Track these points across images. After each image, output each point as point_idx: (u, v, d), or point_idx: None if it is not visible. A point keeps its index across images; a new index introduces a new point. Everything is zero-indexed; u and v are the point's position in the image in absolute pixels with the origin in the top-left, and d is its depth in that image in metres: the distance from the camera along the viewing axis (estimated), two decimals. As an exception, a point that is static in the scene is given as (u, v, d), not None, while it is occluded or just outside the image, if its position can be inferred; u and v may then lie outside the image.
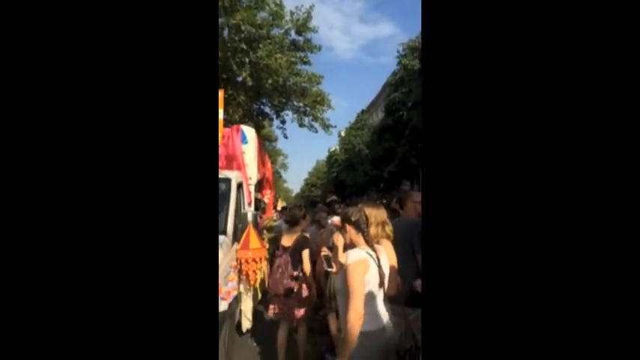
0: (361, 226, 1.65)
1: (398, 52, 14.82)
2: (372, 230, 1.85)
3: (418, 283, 2.07)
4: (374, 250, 1.63)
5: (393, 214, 3.30)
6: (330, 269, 1.86)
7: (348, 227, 1.69)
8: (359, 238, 1.66)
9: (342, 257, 1.78)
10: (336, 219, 2.06)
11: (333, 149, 30.10)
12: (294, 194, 50.03)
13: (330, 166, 29.36)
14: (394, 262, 1.83)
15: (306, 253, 2.83)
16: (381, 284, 1.60)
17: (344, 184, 24.03)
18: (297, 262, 2.81)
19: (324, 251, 2.02)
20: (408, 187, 18.07)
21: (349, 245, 1.71)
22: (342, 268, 1.58)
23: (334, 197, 6.03)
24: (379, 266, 1.59)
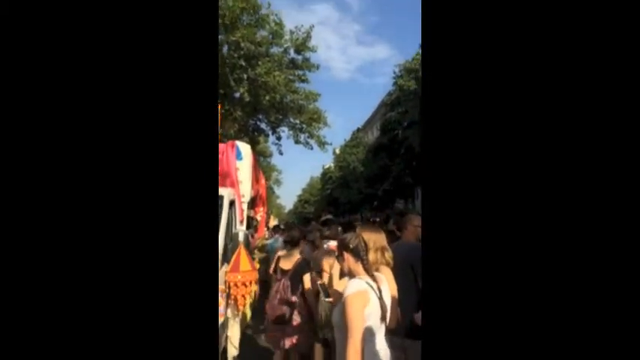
0: (360, 254, 1.55)
1: (394, 72, 15.08)
2: (371, 256, 1.75)
3: (419, 315, 1.95)
4: (374, 279, 1.52)
5: (390, 236, 3.21)
6: (327, 299, 1.74)
7: (346, 255, 1.58)
8: (358, 267, 1.55)
9: (338, 286, 1.67)
10: (333, 243, 1.95)
11: (327, 166, 30.14)
12: (286, 210, 49.68)
13: (324, 183, 29.31)
14: (395, 291, 1.73)
15: (307, 278, 2.68)
16: (383, 318, 1.48)
17: (337, 202, 23.93)
18: (297, 286, 2.67)
19: (322, 278, 1.91)
20: (402, 205, 18.04)
21: (347, 274, 1.60)
22: (340, 300, 1.46)
23: (329, 216, 5.92)
24: (380, 298, 1.47)
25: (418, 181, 13.43)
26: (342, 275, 1.65)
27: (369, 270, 1.54)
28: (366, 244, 1.58)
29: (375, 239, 1.84)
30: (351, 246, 1.56)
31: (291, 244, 2.87)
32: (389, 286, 1.65)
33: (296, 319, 2.65)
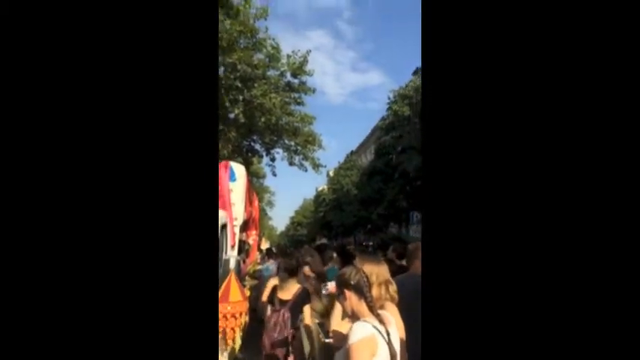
0: (363, 290, 1.37)
1: (389, 98, 15.36)
2: (375, 292, 1.58)
3: None
4: (380, 320, 1.35)
5: (390, 265, 3.05)
6: (326, 340, 1.56)
7: (348, 293, 1.40)
8: (362, 306, 1.37)
9: (339, 326, 1.50)
10: (332, 286, 1.76)
11: (320, 188, 30.06)
12: (278, 232, 49.02)
13: (318, 205, 29.11)
14: (402, 331, 1.55)
15: (307, 310, 2.50)
16: None
17: (331, 225, 23.67)
18: (297, 318, 2.48)
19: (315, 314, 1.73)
20: (396, 229, 17.86)
21: (350, 315, 1.43)
22: (344, 345, 1.28)
23: (324, 240, 5.74)
24: (389, 343, 1.30)
25: (412, 205, 13.36)
26: (343, 316, 1.48)
27: (374, 309, 1.37)
28: (368, 279, 1.43)
29: (377, 272, 1.69)
30: (352, 282, 1.39)
31: (289, 272, 2.69)
32: (396, 326, 1.49)
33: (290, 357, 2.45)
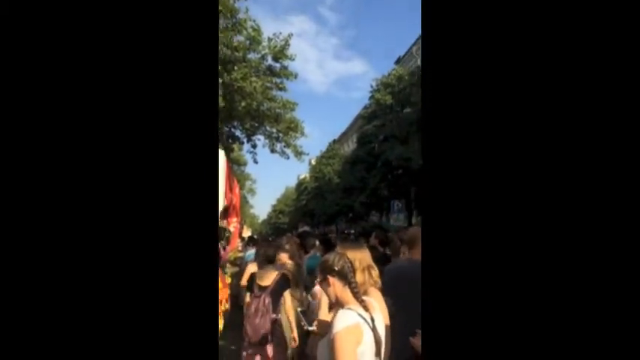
0: (347, 277, 1.32)
1: (371, 86, 15.28)
2: (359, 277, 1.55)
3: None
4: (366, 307, 1.29)
5: (373, 252, 3.03)
6: (309, 328, 1.51)
7: (332, 280, 1.33)
8: (346, 293, 1.31)
9: (325, 315, 1.44)
10: (318, 289, 1.72)
11: (302, 177, 29.97)
12: (260, 220, 48.81)
13: (300, 193, 29.07)
14: (387, 317, 1.52)
15: (288, 295, 2.52)
16: (378, 353, 1.26)
17: (312, 213, 23.70)
18: (277, 303, 2.49)
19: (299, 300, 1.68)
20: (377, 218, 18.08)
21: (334, 302, 1.37)
22: (328, 334, 1.23)
23: (306, 228, 5.69)
24: (374, 329, 1.25)
25: (394, 194, 13.51)
26: (330, 306, 1.42)
27: (358, 295, 1.31)
28: (352, 265, 1.37)
29: (360, 257, 1.64)
30: (336, 268, 1.32)
31: (267, 260, 2.69)
32: (381, 313, 1.45)
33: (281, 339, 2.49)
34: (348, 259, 1.38)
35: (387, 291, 1.70)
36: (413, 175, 12.23)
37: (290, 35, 9.04)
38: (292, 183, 37.43)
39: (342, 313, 1.24)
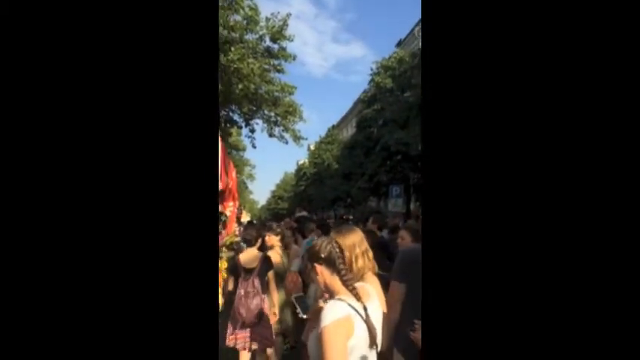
0: (336, 263, 1.22)
1: (371, 69, 14.99)
2: (359, 262, 1.48)
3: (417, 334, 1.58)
4: (358, 296, 1.20)
5: (370, 237, 2.98)
6: (303, 316, 1.45)
7: (319, 268, 1.23)
8: (335, 281, 1.22)
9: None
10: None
11: (302, 162, 29.82)
12: (259, 206, 48.97)
13: (299, 179, 29.01)
14: (384, 304, 1.46)
15: (271, 275, 2.65)
16: (372, 344, 1.18)
17: (311, 198, 23.70)
18: (264, 283, 2.62)
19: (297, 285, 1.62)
20: (375, 203, 18.07)
21: (324, 291, 1.28)
22: (317, 329, 1.13)
23: (304, 212, 5.65)
24: (367, 320, 1.17)
25: (392, 179, 13.42)
26: (319, 295, 1.36)
27: (349, 283, 1.22)
28: (342, 251, 1.27)
29: (359, 242, 1.57)
30: (322, 255, 1.22)
31: (247, 243, 2.82)
32: (378, 299, 1.38)
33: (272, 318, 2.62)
34: (338, 243, 1.28)
35: (400, 276, 1.64)
36: (412, 161, 12.13)
37: (288, 15, 8.77)
38: (291, 169, 37.34)
39: (331, 305, 1.15)
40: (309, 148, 26.73)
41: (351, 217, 9.38)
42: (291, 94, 9.56)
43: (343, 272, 1.22)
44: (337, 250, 1.25)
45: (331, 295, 1.23)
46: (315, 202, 23.07)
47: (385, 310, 1.41)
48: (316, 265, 1.24)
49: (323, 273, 1.23)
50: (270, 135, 10.05)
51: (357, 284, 1.29)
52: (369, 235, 2.97)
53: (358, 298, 1.20)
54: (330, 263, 1.22)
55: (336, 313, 1.11)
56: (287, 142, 10.17)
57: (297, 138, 10.00)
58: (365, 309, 1.19)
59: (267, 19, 8.70)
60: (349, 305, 1.16)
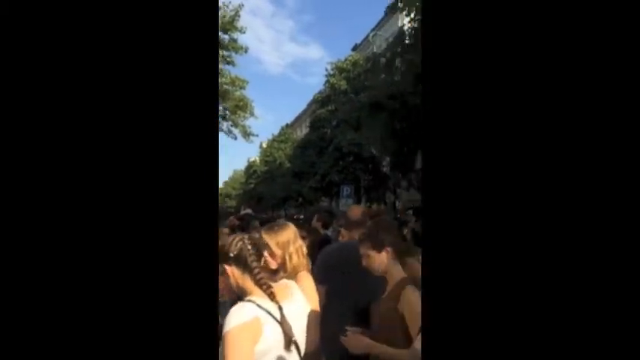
0: (247, 262, 1.10)
1: (326, 70, 15.11)
2: (294, 259, 1.39)
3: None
4: (272, 295, 1.09)
5: (314, 234, 2.88)
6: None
7: (229, 269, 1.11)
8: (246, 282, 1.11)
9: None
10: None
11: (252, 159, 29.22)
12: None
13: (249, 177, 28.37)
14: (316, 302, 1.36)
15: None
16: (288, 345, 1.07)
17: (261, 197, 23.27)
18: None
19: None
20: (327, 203, 18.23)
21: (236, 293, 1.15)
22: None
23: (248, 210, 5.42)
24: (282, 323, 1.06)
25: (344, 180, 13.62)
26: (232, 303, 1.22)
27: (263, 282, 1.10)
28: (258, 248, 1.15)
29: (292, 239, 1.46)
30: (231, 255, 1.11)
31: None
32: (309, 298, 1.27)
33: None
34: (252, 242, 1.15)
35: (318, 279, 1.56)
36: (364, 162, 12.41)
37: (240, 6, 8.46)
38: (241, 166, 36.42)
39: (236, 308, 1.03)
40: (260, 146, 26.26)
41: (302, 216, 9.31)
42: (242, 88, 9.25)
43: (256, 271, 1.11)
44: (249, 247, 1.13)
45: (243, 296, 1.11)
46: (266, 200, 22.70)
47: (315, 308, 1.32)
48: (226, 266, 1.12)
49: (234, 274, 1.11)
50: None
51: (280, 282, 1.20)
52: (312, 232, 2.88)
53: (272, 297, 1.09)
54: (241, 262, 1.11)
55: (241, 316, 1.01)
56: (236, 138, 9.85)
57: (246, 134, 9.72)
58: (280, 309, 1.08)
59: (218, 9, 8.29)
60: (258, 306, 1.05)
